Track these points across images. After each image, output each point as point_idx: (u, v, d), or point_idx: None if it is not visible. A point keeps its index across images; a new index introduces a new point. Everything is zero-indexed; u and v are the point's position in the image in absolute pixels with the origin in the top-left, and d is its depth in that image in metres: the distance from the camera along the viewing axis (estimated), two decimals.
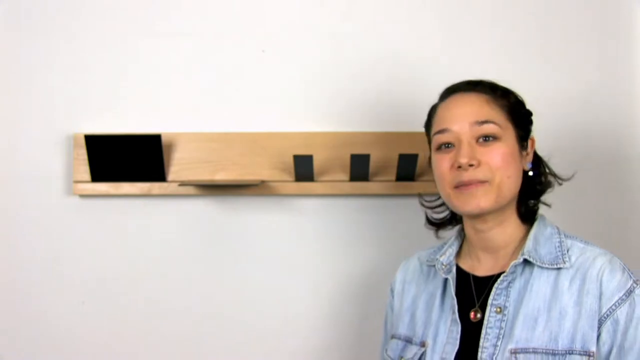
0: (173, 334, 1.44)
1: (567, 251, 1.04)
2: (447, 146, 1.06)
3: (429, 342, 1.09)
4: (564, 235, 1.07)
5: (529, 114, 1.12)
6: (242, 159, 1.43)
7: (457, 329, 1.05)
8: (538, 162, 1.14)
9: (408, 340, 1.13)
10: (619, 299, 0.97)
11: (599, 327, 0.97)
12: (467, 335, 1.04)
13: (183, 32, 1.45)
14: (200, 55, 1.45)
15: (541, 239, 1.06)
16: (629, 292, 0.98)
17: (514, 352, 0.99)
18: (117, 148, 1.39)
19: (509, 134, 1.06)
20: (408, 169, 1.38)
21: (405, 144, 1.41)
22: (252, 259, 1.45)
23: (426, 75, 1.44)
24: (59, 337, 1.43)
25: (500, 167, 1.04)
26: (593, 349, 0.96)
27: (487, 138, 1.04)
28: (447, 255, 1.13)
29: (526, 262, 1.04)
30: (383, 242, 1.45)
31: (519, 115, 1.09)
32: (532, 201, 1.11)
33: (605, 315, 0.97)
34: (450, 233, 1.17)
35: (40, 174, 1.44)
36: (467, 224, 1.11)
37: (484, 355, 1.00)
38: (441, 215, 1.20)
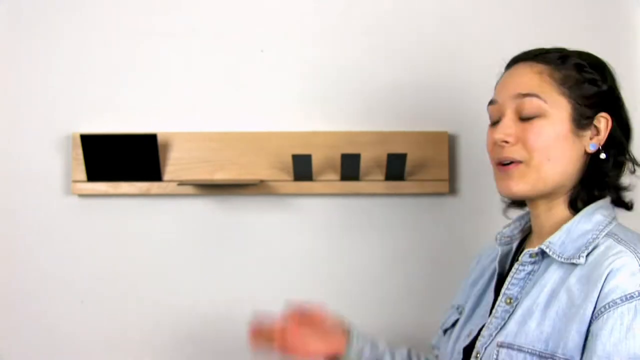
0: (172, 333, 1.44)
1: (594, 248, 0.91)
2: (495, 120, 0.99)
3: (466, 310, 1.07)
4: (609, 231, 0.93)
5: (610, 90, 0.97)
6: (240, 159, 1.42)
7: (491, 301, 1.01)
8: (616, 145, 0.97)
9: (457, 309, 1.12)
10: (612, 301, 0.84)
11: (587, 331, 0.86)
12: (491, 313, 0.99)
13: (181, 32, 1.45)
14: (198, 55, 1.45)
15: (575, 233, 0.94)
16: (629, 298, 0.84)
17: (500, 345, 0.92)
18: (113, 148, 1.39)
19: (561, 111, 0.94)
20: (397, 168, 1.38)
21: (406, 143, 1.42)
22: (251, 259, 1.45)
23: (426, 75, 1.44)
24: (57, 336, 1.43)
25: (539, 148, 0.93)
26: (577, 357, 0.85)
27: (530, 117, 0.94)
28: (512, 227, 1.06)
29: (545, 253, 0.95)
30: (382, 241, 1.45)
31: (587, 91, 0.95)
32: (596, 191, 0.96)
33: (594, 318, 0.85)
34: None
35: (39, 174, 1.44)
36: (527, 205, 1.03)
37: (479, 344, 0.96)
38: None
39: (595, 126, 0.96)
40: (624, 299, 0.84)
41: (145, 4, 1.45)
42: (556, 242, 0.94)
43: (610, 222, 0.95)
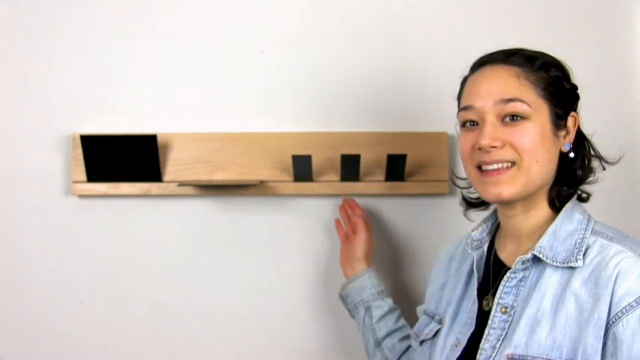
0: (172, 333, 1.44)
1: (586, 250, 0.92)
2: (472, 124, 0.99)
3: (447, 319, 1.05)
4: (592, 230, 0.95)
5: (574, 88, 1.00)
6: (240, 159, 1.42)
7: (476, 308, 1.00)
8: (582, 142, 1.01)
9: (432, 317, 1.11)
10: (628, 305, 0.85)
11: (605, 336, 0.86)
12: (479, 321, 0.99)
13: (181, 32, 1.45)
14: (198, 55, 1.45)
15: (561, 235, 0.95)
16: None
17: (511, 357, 0.90)
18: (113, 148, 1.39)
19: (542, 113, 0.96)
20: (397, 169, 1.38)
21: (406, 144, 1.41)
22: (251, 259, 1.45)
23: (426, 75, 1.45)
24: (58, 337, 1.43)
25: (528, 150, 0.94)
26: None
27: (514, 117, 0.95)
28: (480, 230, 1.07)
29: (537, 258, 0.95)
30: (383, 242, 1.45)
31: (558, 91, 0.97)
32: (566, 189, 0.99)
33: (611, 323, 0.86)
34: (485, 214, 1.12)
35: (39, 174, 1.44)
36: (497, 206, 1.04)
37: (481, 358, 0.94)
38: (476, 194, 1.10)
39: (566, 125, 0.98)
40: (639, 300, 0.85)
41: (145, 4, 1.45)
42: (546, 246, 0.94)
43: (589, 220, 0.97)
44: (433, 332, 1.08)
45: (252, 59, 1.45)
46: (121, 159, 1.39)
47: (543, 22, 1.45)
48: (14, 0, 1.45)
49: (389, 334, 1.27)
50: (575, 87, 1.01)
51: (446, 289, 1.11)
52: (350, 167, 1.37)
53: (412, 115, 1.44)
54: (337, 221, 1.41)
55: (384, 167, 1.39)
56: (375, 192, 1.42)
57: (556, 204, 0.99)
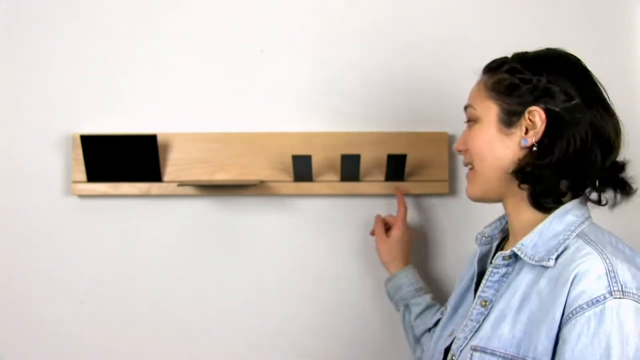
0: (172, 333, 1.44)
1: (564, 250, 0.92)
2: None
3: (448, 310, 1.10)
4: (580, 232, 0.93)
5: (536, 82, 0.96)
6: (240, 159, 1.42)
7: (471, 302, 1.04)
8: (555, 136, 0.94)
9: (444, 307, 1.16)
10: (579, 306, 0.84)
11: (557, 336, 0.86)
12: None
13: (181, 32, 1.45)
14: (198, 55, 1.45)
15: (547, 235, 0.94)
16: (595, 302, 0.84)
17: (474, 348, 0.94)
18: (113, 148, 1.39)
19: (489, 114, 0.99)
20: (397, 169, 1.38)
21: (406, 144, 1.42)
22: (250, 259, 1.45)
23: (426, 76, 1.45)
24: (58, 337, 1.43)
25: (473, 151, 1.01)
26: None
27: (469, 122, 1.04)
28: (492, 227, 1.10)
29: (517, 255, 0.96)
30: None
31: (507, 89, 0.97)
32: (542, 185, 0.95)
33: (562, 323, 0.86)
34: None
35: (39, 174, 1.44)
36: None
37: (454, 347, 0.99)
38: None
39: (531, 120, 0.96)
40: (590, 303, 0.84)
41: (145, 5, 1.45)
42: (528, 244, 0.95)
43: (582, 222, 0.95)
44: (434, 322, 1.15)
45: (252, 59, 1.45)
46: (121, 159, 1.39)
47: (544, 22, 1.45)
48: (13, 0, 1.45)
49: (427, 330, 1.28)
50: (535, 80, 0.96)
51: (461, 282, 1.15)
52: (350, 167, 1.37)
53: (412, 115, 1.44)
54: (379, 218, 1.40)
55: (384, 167, 1.39)
56: (375, 192, 1.42)
57: (540, 202, 0.96)
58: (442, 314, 1.14)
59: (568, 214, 0.96)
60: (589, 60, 1.49)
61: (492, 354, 0.92)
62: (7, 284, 1.44)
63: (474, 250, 1.18)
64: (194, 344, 1.44)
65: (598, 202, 0.99)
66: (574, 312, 0.85)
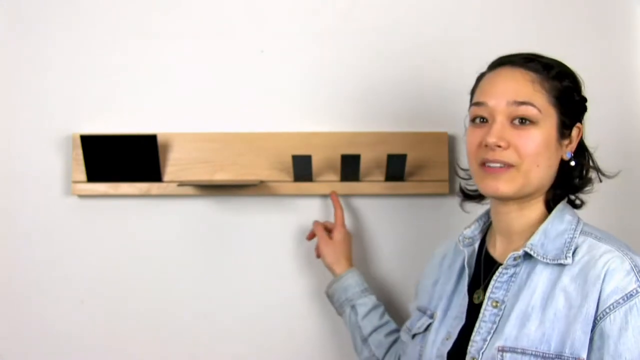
0: (172, 333, 1.44)
1: (576, 248, 0.96)
2: (481, 120, 1.02)
3: (438, 313, 1.09)
4: (581, 230, 0.99)
5: (583, 100, 1.04)
6: (240, 159, 1.42)
7: (466, 303, 1.04)
8: (583, 153, 1.06)
9: (424, 312, 1.14)
10: (615, 302, 0.89)
11: (592, 331, 0.90)
12: (469, 315, 1.02)
13: (181, 32, 1.45)
14: (198, 55, 1.45)
15: (552, 233, 0.99)
16: (629, 296, 0.89)
17: (502, 349, 0.94)
18: (113, 148, 1.39)
19: (550, 120, 0.99)
20: (397, 169, 1.38)
21: (406, 144, 1.42)
22: (250, 259, 1.45)
23: (426, 76, 1.45)
24: (58, 337, 1.43)
25: (531, 154, 0.97)
26: (583, 355, 0.89)
27: (523, 121, 0.98)
28: (472, 228, 1.11)
29: (528, 255, 0.98)
30: (382, 242, 1.45)
31: (568, 101, 1.01)
32: (560, 193, 1.04)
33: (598, 319, 0.90)
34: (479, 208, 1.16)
35: (39, 174, 1.44)
36: (491, 204, 1.08)
37: (472, 349, 0.98)
38: (474, 187, 1.13)
39: (570, 135, 1.02)
40: (625, 298, 0.89)
41: (145, 4, 1.45)
42: (537, 244, 0.99)
43: (578, 221, 1.01)
44: (424, 326, 1.11)
45: (252, 59, 1.45)
46: (121, 159, 1.39)
47: (544, 22, 1.45)
48: (13, 0, 1.45)
49: (374, 330, 1.30)
50: (584, 100, 1.05)
51: (438, 285, 1.15)
52: (350, 167, 1.37)
53: (412, 115, 1.44)
54: (318, 223, 1.40)
55: (384, 167, 1.39)
56: (375, 192, 1.42)
57: (551, 205, 1.03)
58: (431, 317, 1.11)
59: (565, 214, 1.02)
60: (589, 60, 1.50)
61: (524, 352, 0.92)
62: (7, 284, 1.44)
63: (440, 252, 1.21)
64: (193, 344, 1.44)
65: (577, 206, 1.08)
66: (611, 307, 0.89)
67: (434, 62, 1.45)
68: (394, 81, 1.45)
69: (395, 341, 1.29)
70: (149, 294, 1.44)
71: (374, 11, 1.45)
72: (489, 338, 0.97)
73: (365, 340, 1.30)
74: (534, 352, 0.92)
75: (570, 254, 0.95)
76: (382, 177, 1.41)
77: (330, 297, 1.37)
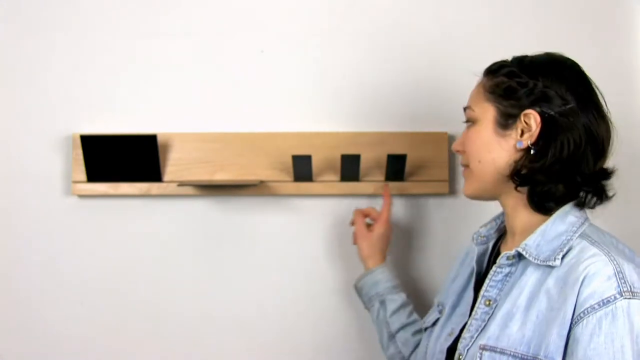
0: (171, 334, 1.44)
1: (569, 251, 0.94)
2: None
3: (446, 309, 1.11)
4: (581, 232, 0.96)
5: (544, 90, 0.97)
6: (240, 159, 1.42)
7: (471, 300, 1.05)
8: (549, 139, 0.96)
9: (438, 306, 1.17)
10: (590, 306, 0.87)
11: (568, 335, 0.88)
12: (472, 313, 1.03)
13: (181, 32, 1.45)
14: (198, 55, 1.45)
15: (550, 235, 0.96)
16: (606, 302, 0.86)
17: (482, 348, 0.94)
18: (113, 148, 1.39)
19: (487, 115, 1.01)
20: (397, 169, 1.38)
21: (406, 144, 1.42)
22: (250, 259, 1.45)
23: (426, 76, 1.45)
24: (57, 337, 1.43)
25: (471, 152, 1.03)
26: (558, 359, 0.88)
27: (468, 122, 1.06)
28: (488, 227, 1.12)
29: (522, 255, 0.98)
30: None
31: (506, 92, 0.99)
32: (541, 188, 0.97)
33: (574, 322, 0.88)
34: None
35: (39, 174, 1.44)
36: None
37: (460, 346, 0.99)
38: None
39: (526, 123, 0.98)
40: (601, 304, 0.87)
41: (145, 4, 1.45)
42: (532, 244, 0.97)
43: (582, 223, 0.98)
44: (432, 321, 1.14)
45: (252, 59, 1.45)
46: (121, 159, 1.40)
47: (543, 23, 1.45)
48: (13, 0, 1.45)
49: (402, 327, 1.29)
50: (546, 87, 0.97)
51: (456, 280, 1.16)
52: (350, 167, 1.37)
53: (412, 115, 1.44)
54: (359, 212, 1.38)
55: (384, 167, 1.39)
56: (375, 192, 1.42)
57: (535, 201, 0.98)
58: (440, 313, 1.14)
59: (569, 215, 0.98)
60: (589, 61, 1.49)
61: (502, 352, 0.93)
62: (7, 284, 1.44)
63: (465, 249, 1.20)
64: (193, 344, 1.44)
65: (583, 205, 1.00)
66: (586, 312, 0.87)
67: (434, 62, 1.45)
68: (394, 81, 1.45)
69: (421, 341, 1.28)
70: (149, 294, 1.44)
71: (374, 11, 1.46)
72: (475, 335, 0.98)
73: (392, 336, 1.29)
74: (512, 353, 0.92)
75: (560, 256, 0.93)
76: (382, 177, 1.41)
77: (358, 290, 1.36)
